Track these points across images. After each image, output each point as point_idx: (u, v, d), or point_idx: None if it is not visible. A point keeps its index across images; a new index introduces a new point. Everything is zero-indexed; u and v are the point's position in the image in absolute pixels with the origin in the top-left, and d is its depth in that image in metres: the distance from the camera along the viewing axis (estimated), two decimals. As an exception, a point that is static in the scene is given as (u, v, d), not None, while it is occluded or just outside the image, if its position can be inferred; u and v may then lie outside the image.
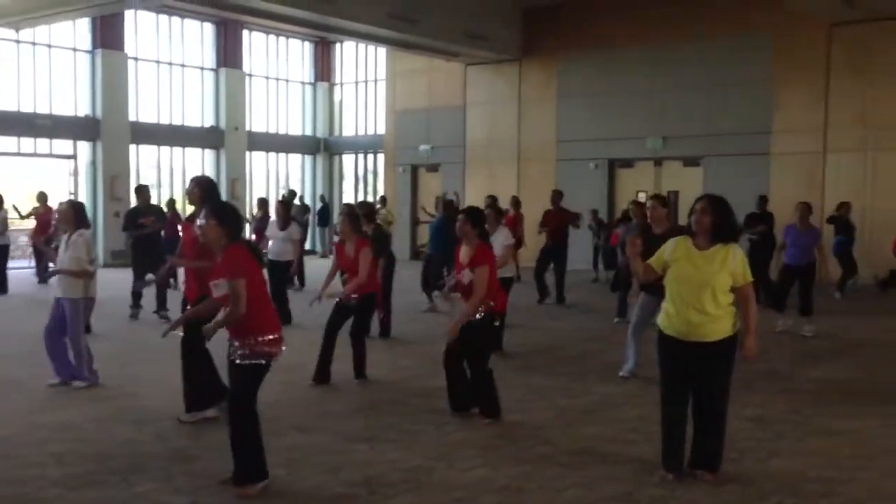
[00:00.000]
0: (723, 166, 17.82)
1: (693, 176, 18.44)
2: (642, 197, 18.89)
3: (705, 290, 4.83)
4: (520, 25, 20.57)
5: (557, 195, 14.15)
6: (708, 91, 18.10)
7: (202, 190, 6.45)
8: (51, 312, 7.58)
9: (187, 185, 6.76)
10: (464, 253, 6.49)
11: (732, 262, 4.84)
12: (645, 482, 5.07)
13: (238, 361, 4.82)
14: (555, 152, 20.17)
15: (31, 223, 16.79)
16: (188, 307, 6.38)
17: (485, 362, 6.46)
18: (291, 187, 23.44)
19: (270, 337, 4.84)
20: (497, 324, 6.69)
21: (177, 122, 22.53)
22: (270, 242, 11.82)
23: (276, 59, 25.23)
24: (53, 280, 7.74)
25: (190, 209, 7.62)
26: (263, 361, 4.83)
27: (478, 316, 6.32)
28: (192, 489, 4.90)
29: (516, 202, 15.26)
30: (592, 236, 17.41)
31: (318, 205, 24.75)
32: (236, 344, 4.83)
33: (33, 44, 19.61)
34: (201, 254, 6.09)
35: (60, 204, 7.95)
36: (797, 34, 17.04)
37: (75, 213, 7.58)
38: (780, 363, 8.72)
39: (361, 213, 9.91)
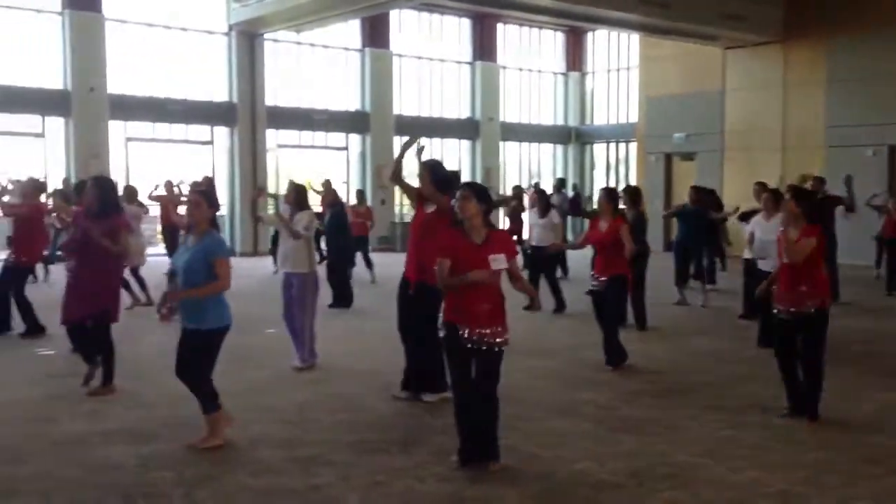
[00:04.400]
0: None
1: None
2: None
3: None
4: (782, 4, 19.31)
5: (819, 182, 13.11)
6: None
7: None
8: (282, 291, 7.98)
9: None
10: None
11: None
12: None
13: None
14: (823, 139, 18.77)
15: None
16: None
17: (820, 361, 6.14)
18: (560, 176, 24.05)
19: None
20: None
21: (436, 114, 23.61)
22: (531, 230, 12.09)
23: (528, 51, 25.63)
24: (282, 255, 8.04)
25: None
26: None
27: (812, 310, 6.07)
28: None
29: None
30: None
31: (570, 194, 24.84)
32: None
33: (312, 45, 21.39)
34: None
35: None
36: None
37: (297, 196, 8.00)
38: None
39: (627, 197, 9.97)
